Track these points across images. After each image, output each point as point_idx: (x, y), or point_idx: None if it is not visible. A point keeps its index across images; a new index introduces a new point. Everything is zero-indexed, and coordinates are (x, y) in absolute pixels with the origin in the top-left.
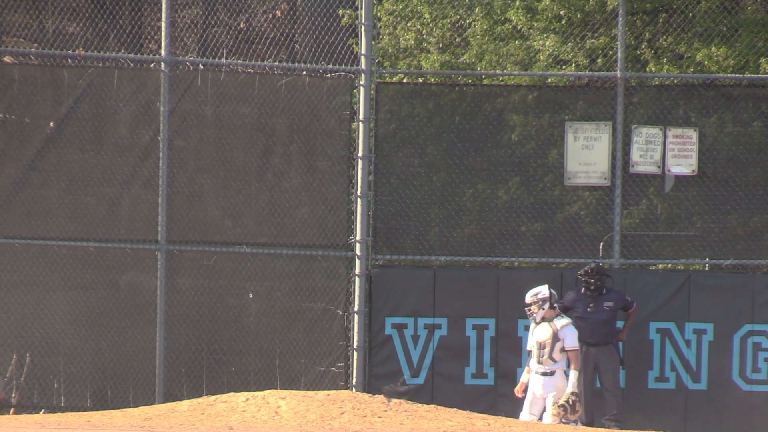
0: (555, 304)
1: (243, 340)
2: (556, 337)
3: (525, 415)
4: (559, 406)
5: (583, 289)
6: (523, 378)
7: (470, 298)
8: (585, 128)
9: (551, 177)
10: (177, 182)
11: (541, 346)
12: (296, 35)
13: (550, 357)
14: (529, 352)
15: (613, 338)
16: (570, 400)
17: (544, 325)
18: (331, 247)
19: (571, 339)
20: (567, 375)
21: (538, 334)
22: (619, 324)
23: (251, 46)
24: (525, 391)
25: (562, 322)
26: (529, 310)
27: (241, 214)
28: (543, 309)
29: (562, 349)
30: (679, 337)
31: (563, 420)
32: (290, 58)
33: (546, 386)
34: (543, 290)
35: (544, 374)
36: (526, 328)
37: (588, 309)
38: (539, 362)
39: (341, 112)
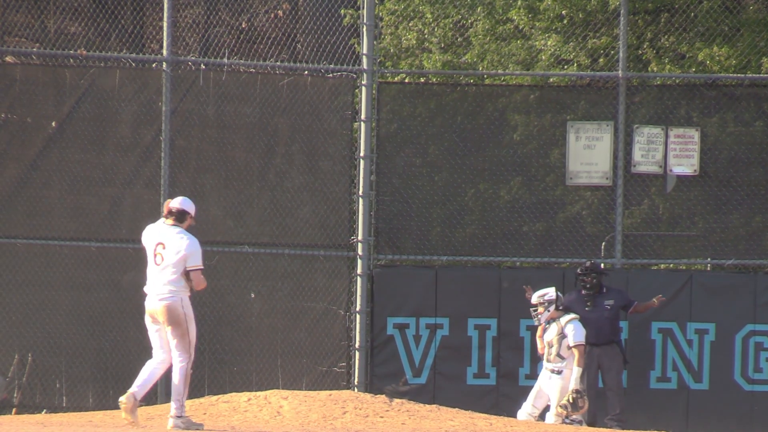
0: (560, 306)
1: (245, 339)
2: (561, 335)
3: (528, 406)
4: (560, 406)
5: (582, 289)
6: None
7: (472, 298)
8: (587, 128)
9: (553, 177)
10: (179, 182)
11: (549, 345)
12: (298, 35)
13: (558, 355)
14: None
15: (617, 337)
16: (571, 398)
17: (553, 324)
18: (333, 247)
19: (574, 335)
20: None
21: (547, 334)
22: (622, 324)
23: (253, 45)
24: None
25: (566, 318)
26: (535, 311)
27: (242, 214)
28: (548, 311)
29: (569, 346)
30: (680, 337)
31: (566, 419)
32: (292, 58)
33: (552, 385)
34: (550, 292)
35: (552, 371)
36: (528, 328)
37: (586, 308)
38: (548, 360)
39: (343, 112)
